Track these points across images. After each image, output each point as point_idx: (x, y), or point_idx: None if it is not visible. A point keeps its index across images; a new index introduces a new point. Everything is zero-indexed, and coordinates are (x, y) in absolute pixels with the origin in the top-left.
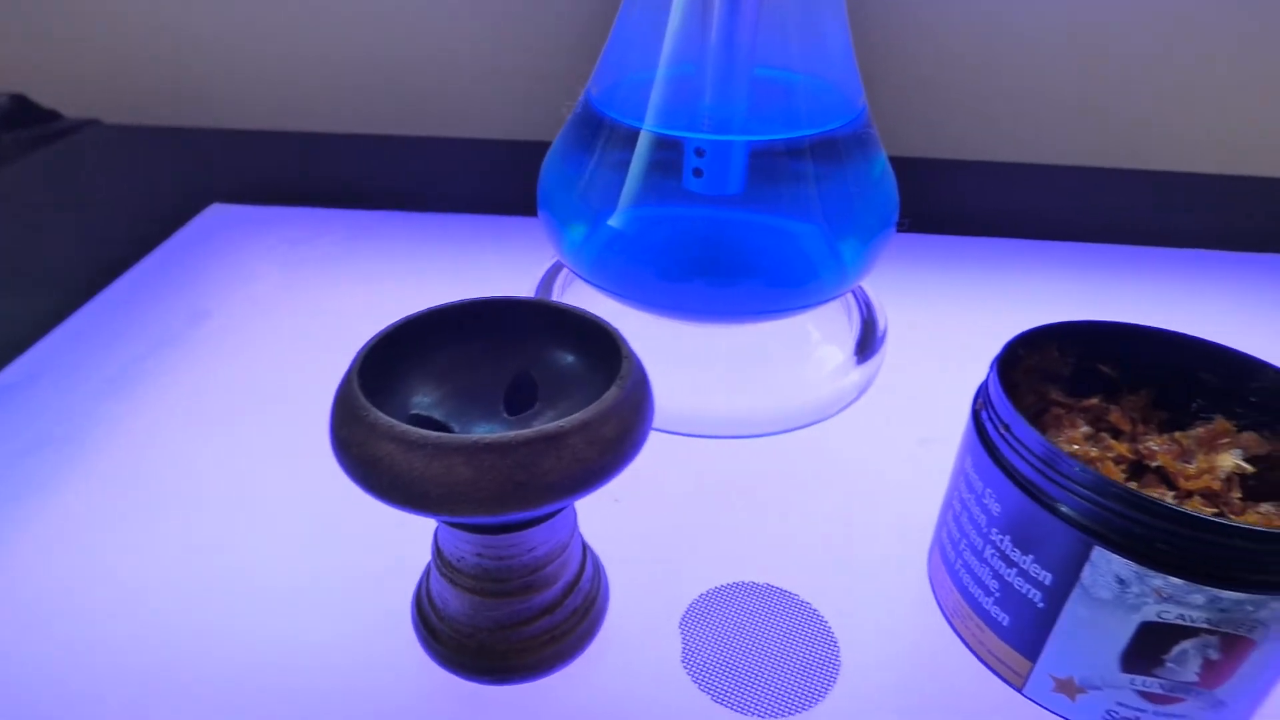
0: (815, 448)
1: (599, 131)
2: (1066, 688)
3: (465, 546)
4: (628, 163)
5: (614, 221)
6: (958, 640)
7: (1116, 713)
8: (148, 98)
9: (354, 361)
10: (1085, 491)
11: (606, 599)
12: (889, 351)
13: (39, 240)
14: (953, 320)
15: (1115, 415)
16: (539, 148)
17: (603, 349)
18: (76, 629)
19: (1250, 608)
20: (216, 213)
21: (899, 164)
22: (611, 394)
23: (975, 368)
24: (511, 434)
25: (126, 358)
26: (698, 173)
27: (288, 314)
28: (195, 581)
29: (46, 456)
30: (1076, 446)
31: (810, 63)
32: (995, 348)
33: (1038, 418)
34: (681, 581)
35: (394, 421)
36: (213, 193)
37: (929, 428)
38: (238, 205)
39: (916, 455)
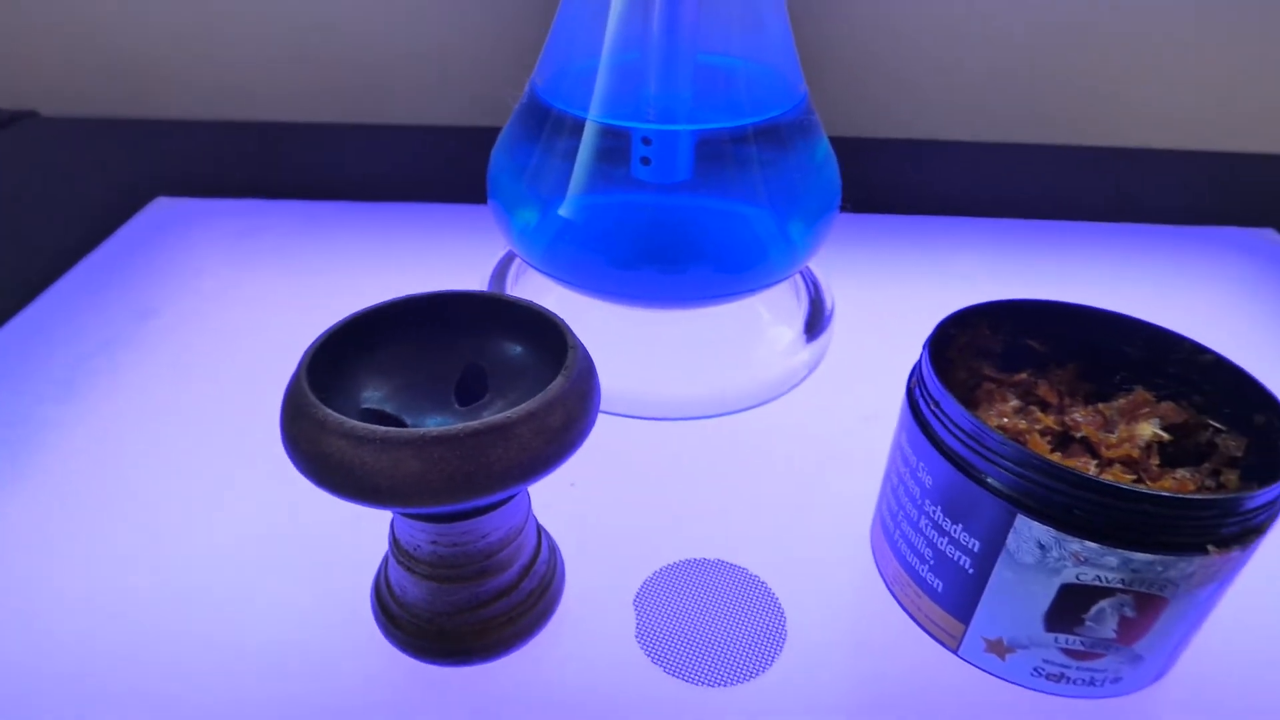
0: (765, 427)
1: (545, 121)
2: (996, 648)
3: (420, 535)
4: (575, 152)
5: (563, 210)
6: (897, 606)
7: (1043, 669)
8: (87, 88)
9: (302, 359)
10: (1008, 464)
11: (562, 580)
12: (836, 330)
13: None
14: (896, 297)
15: (1043, 389)
16: (491, 133)
17: (550, 339)
18: (31, 635)
19: (1160, 568)
20: (162, 206)
21: (838, 144)
22: (557, 384)
23: (917, 344)
24: (459, 426)
25: (72, 358)
26: (645, 161)
27: (237, 309)
28: (150, 583)
29: None
30: (1006, 420)
31: (751, 49)
32: (933, 325)
33: (971, 393)
34: (635, 560)
35: (342, 418)
36: (157, 186)
37: (873, 405)
38: (183, 199)
39: (860, 432)
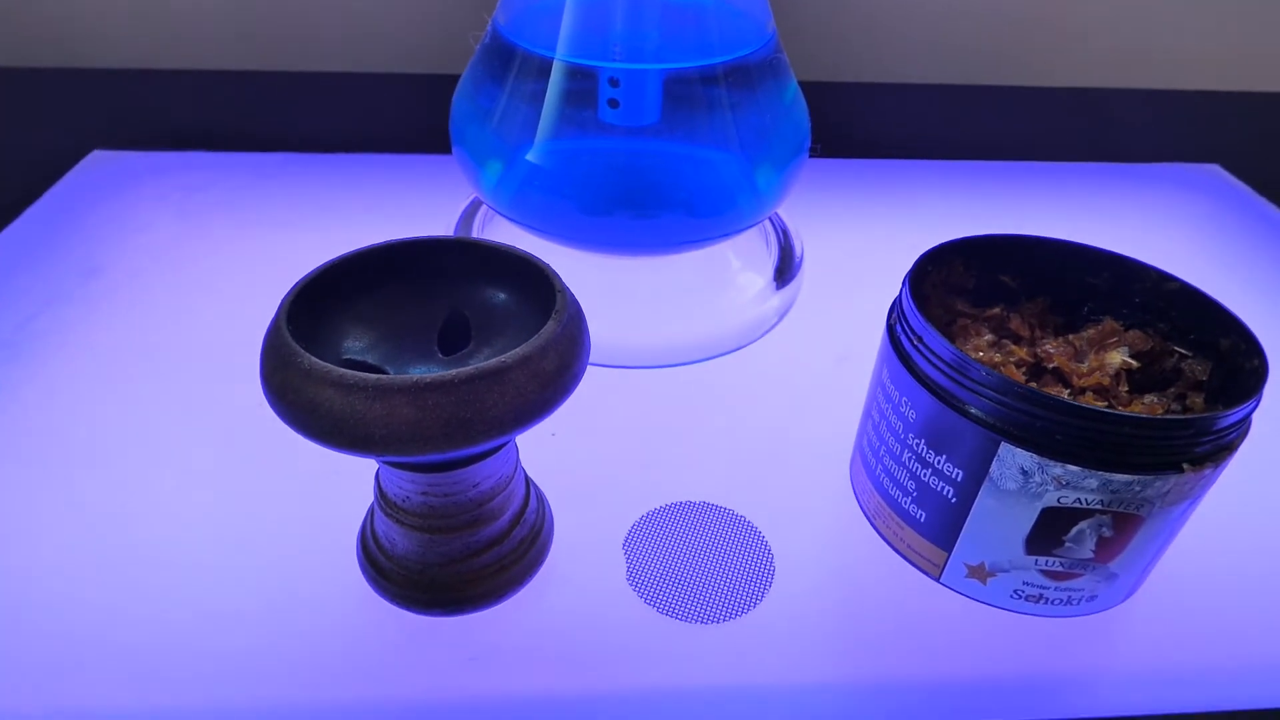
0: (740, 372)
1: (509, 62)
2: (978, 573)
3: (409, 486)
4: (541, 94)
5: (531, 156)
6: (879, 538)
7: (1022, 591)
8: (14, 38)
9: (280, 307)
10: (992, 393)
11: (551, 529)
12: (806, 275)
13: None
14: (863, 241)
15: (1015, 322)
16: (445, 81)
17: (534, 285)
18: (6, 603)
19: (1138, 488)
20: (98, 160)
21: (806, 89)
22: (549, 328)
23: (885, 286)
24: (454, 372)
25: (15, 319)
26: (613, 103)
27: (187, 265)
28: (121, 544)
29: None
30: (981, 353)
31: None
32: (903, 267)
33: (946, 329)
34: (622, 506)
35: (330, 366)
36: (92, 139)
37: (846, 345)
38: (121, 152)
39: (834, 373)
